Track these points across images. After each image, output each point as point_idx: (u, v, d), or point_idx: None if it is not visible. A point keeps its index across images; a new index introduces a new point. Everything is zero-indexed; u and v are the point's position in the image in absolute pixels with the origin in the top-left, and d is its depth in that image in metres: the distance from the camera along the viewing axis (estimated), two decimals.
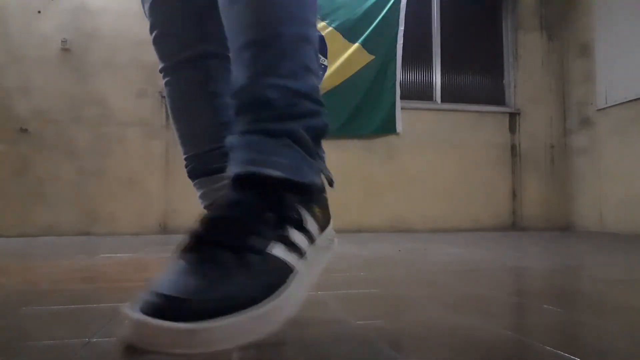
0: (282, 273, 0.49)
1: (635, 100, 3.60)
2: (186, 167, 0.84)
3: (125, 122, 3.60)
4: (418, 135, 4.09)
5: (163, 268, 0.47)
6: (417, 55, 4.26)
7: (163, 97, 3.67)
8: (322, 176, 0.60)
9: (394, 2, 4.01)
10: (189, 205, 3.99)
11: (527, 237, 3.19)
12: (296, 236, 0.52)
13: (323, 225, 0.60)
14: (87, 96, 3.56)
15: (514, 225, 4.24)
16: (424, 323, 0.82)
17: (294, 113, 0.54)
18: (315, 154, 0.57)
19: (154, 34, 0.81)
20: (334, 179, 0.63)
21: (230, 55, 0.57)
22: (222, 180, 0.71)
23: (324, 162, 0.61)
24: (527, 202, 4.27)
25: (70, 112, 3.53)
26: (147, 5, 0.81)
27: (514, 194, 4.27)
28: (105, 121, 3.57)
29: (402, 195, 4.00)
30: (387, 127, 4.01)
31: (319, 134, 0.58)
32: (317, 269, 0.59)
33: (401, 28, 4.05)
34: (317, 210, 0.57)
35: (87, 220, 3.47)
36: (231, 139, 0.55)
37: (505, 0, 4.48)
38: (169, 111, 0.86)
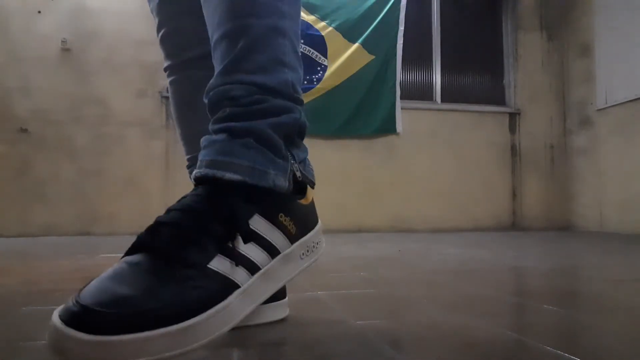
0: (222, 289, 0.46)
1: (635, 100, 3.60)
2: (188, 168, 0.82)
3: (125, 122, 3.60)
4: (418, 135, 4.09)
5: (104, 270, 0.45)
6: (417, 55, 4.26)
7: (163, 97, 3.67)
8: (298, 178, 0.55)
9: (394, 2, 4.01)
10: None
11: (527, 237, 3.19)
12: (249, 249, 0.49)
13: (297, 233, 0.56)
14: (87, 96, 3.56)
15: (514, 225, 4.24)
16: (424, 323, 0.82)
17: (260, 110, 0.51)
18: (287, 155, 0.53)
19: (161, 32, 0.80)
20: (314, 180, 0.59)
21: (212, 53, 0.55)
22: None
23: (302, 162, 0.57)
24: (527, 202, 4.27)
25: (70, 112, 3.53)
26: (154, 3, 0.79)
27: (514, 194, 4.27)
28: (105, 121, 3.57)
29: (402, 195, 4.00)
30: (387, 127, 4.01)
31: (291, 132, 0.54)
32: (286, 279, 0.56)
33: (401, 28, 4.05)
34: (283, 218, 0.53)
35: (87, 220, 3.47)
36: (202, 139, 0.53)
37: (505, 0, 4.48)
38: (172, 110, 0.85)
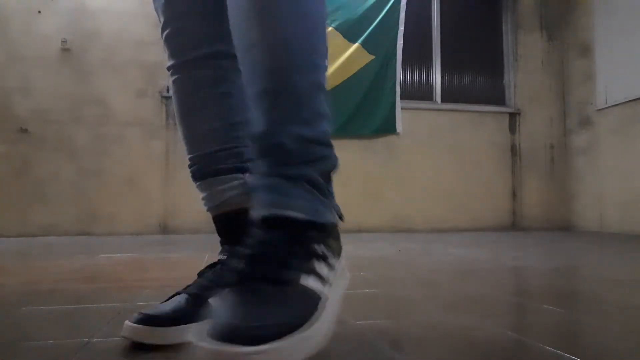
0: (313, 300, 0.54)
1: (635, 100, 3.60)
2: (190, 167, 0.83)
3: (125, 122, 3.60)
4: (418, 135, 4.09)
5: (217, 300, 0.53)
6: (417, 55, 4.26)
7: (163, 97, 3.67)
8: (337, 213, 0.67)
9: (394, 2, 4.01)
10: (189, 205, 3.98)
11: (527, 237, 3.19)
12: (320, 267, 0.58)
13: (338, 254, 0.66)
14: (87, 96, 3.56)
15: (514, 225, 4.24)
16: (424, 323, 0.82)
17: (309, 159, 0.60)
18: (328, 193, 0.64)
19: (166, 32, 0.79)
20: (342, 213, 0.68)
21: (248, 95, 0.61)
22: (230, 182, 0.77)
23: (333, 198, 0.67)
24: (527, 202, 4.27)
25: (70, 112, 3.53)
26: (159, 3, 0.79)
27: (514, 194, 4.27)
28: (105, 121, 3.57)
29: (402, 195, 4.00)
30: (387, 127, 4.01)
31: (329, 173, 0.65)
32: (339, 293, 0.63)
33: (401, 28, 4.04)
34: (332, 242, 0.63)
35: (87, 220, 3.47)
36: (253, 180, 0.62)
37: (505, 0, 4.48)
38: (175, 109, 0.84)
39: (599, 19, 3.98)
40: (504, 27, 4.48)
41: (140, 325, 0.66)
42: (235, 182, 0.78)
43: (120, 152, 3.56)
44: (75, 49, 3.56)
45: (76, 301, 1.04)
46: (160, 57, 3.77)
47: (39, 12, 3.52)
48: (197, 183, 0.82)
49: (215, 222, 0.83)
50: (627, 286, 1.25)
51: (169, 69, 0.83)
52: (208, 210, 0.82)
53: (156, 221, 3.56)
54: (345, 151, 3.93)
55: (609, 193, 3.86)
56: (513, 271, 1.57)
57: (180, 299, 0.72)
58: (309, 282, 0.55)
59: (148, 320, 0.67)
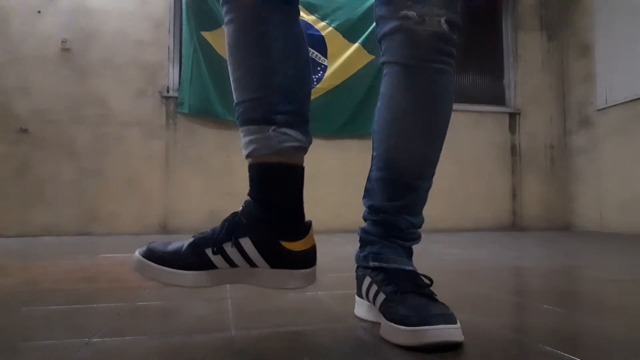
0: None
1: (635, 100, 3.60)
2: (240, 116, 0.78)
3: (125, 122, 3.60)
4: None
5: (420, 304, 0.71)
6: None
7: (163, 97, 3.67)
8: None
9: None
10: (189, 205, 3.98)
11: (527, 237, 3.19)
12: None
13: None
14: (87, 96, 3.56)
15: (514, 225, 4.24)
16: None
17: (412, 238, 0.84)
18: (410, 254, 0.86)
19: None
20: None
21: (375, 173, 0.91)
22: (267, 131, 0.73)
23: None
24: (527, 202, 4.27)
25: (70, 112, 3.53)
26: None
27: (514, 194, 4.27)
28: (105, 121, 3.57)
29: None
30: None
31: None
32: None
33: None
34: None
35: (87, 220, 3.47)
36: (367, 237, 0.85)
37: (505, 0, 4.48)
38: (231, 51, 0.78)
39: (599, 19, 3.98)
40: (504, 27, 4.48)
41: (142, 258, 0.77)
42: (292, 134, 0.75)
43: (120, 152, 3.56)
44: (75, 49, 3.55)
45: (76, 301, 1.04)
46: (160, 57, 3.79)
47: (39, 12, 3.52)
48: (240, 129, 0.78)
49: (257, 169, 0.77)
50: (627, 286, 1.25)
51: (224, 4, 0.76)
52: (249, 156, 0.77)
53: (156, 221, 3.56)
54: (345, 151, 3.93)
55: (609, 193, 3.86)
56: (513, 271, 1.57)
57: (184, 244, 0.78)
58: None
59: (149, 254, 0.77)
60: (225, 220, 0.79)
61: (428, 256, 1.98)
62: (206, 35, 3.63)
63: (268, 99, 0.74)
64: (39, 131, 3.46)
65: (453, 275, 1.42)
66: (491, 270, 1.54)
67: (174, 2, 3.77)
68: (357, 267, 0.85)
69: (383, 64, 0.83)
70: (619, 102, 3.76)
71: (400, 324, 0.67)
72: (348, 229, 3.87)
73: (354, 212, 4.35)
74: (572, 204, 4.26)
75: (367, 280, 0.80)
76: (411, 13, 0.77)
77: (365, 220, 0.87)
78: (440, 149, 0.84)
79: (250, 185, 0.79)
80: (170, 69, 3.74)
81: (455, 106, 3.57)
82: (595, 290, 1.19)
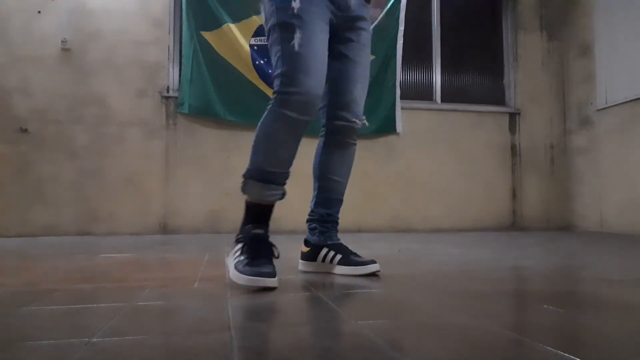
0: None
1: (635, 100, 3.60)
2: (268, 175, 1.29)
3: (125, 122, 3.60)
4: (418, 135, 4.09)
5: None
6: (417, 55, 4.26)
7: (163, 97, 3.67)
8: None
9: (394, 2, 4.00)
10: (189, 205, 3.97)
11: (527, 237, 3.19)
12: None
13: None
14: (87, 96, 3.56)
15: (514, 225, 4.24)
16: (424, 323, 0.82)
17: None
18: None
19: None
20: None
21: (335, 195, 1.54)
22: (280, 190, 1.33)
23: None
24: (527, 202, 4.27)
25: (70, 112, 3.52)
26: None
27: (514, 194, 4.27)
28: (105, 121, 3.57)
29: (402, 195, 4.00)
30: (387, 127, 4.01)
31: None
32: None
33: (401, 28, 4.04)
34: None
35: (87, 220, 3.47)
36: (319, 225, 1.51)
37: (505, 0, 4.48)
38: (270, 134, 1.33)
39: (599, 19, 3.98)
40: (504, 27, 4.48)
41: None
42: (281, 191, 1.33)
43: (120, 152, 3.56)
44: (75, 49, 3.56)
45: (76, 301, 1.04)
46: (160, 57, 3.79)
47: (39, 12, 3.51)
48: (275, 185, 1.30)
49: (265, 208, 1.31)
50: (627, 286, 1.25)
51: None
52: (268, 202, 1.31)
53: (156, 221, 3.56)
54: None
55: (609, 193, 3.86)
56: (513, 271, 1.57)
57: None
58: None
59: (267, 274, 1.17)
60: None
61: (428, 256, 1.98)
62: (206, 35, 3.63)
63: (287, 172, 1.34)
64: (39, 131, 3.46)
65: (453, 275, 1.42)
66: (491, 270, 1.54)
67: (174, 2, 3.77)
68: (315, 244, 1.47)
69: (326, 130, 1.56)
70: (619, 102, 3.76)
71: (355, 265, 1.41)
72: (348, 228, 3.87)
73: (354, 212, 4.35)
74: (572, 204, 4.26)
75: (325, 249, 1.45)
76: (359, 119, 1.59)
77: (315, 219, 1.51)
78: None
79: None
80: (170, 69, 3.74)
81: (455, 106, 3.64)
82: (595, 290, 1.19)
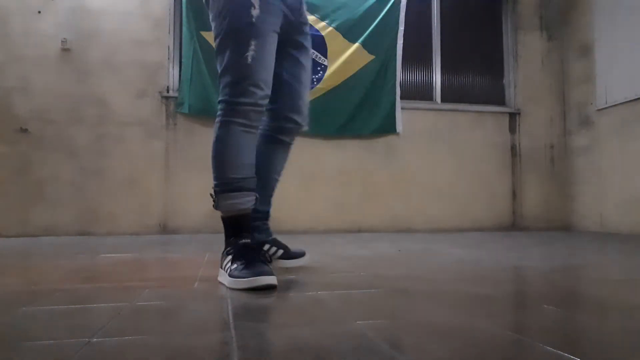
0: None
1: (635, 100, 3.60)
2: (237, 183, 1.39)
3: (125, 122, 3.60)
4: (418, 135, 4.09)
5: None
6: (417, 55, 4.26)
7: (163, 97, 3.67)
8: None
9: (394, 2, 4.01)
10: (189, 205, 3.96)
11: (527, 237, 3.19)
12: None
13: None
14: (87, 96, 3.56)
15: (514, 225, 4.23)
16: (423, 323, 0.82)
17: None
18: None
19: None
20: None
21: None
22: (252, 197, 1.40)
23: None
24: (527, 202, 4.27)
25: (70, 112, 3.52)
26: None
27: (514, 194, 4.27)
28: (105, 121, 3.57)
29: (402, 195, 3.99)
30: (387, 127, 4.01)
31: None
32: None
33: (401, 28, 4.04)
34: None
35: (87, 220, 3.47)
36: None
37: (505, 0, 4.48)
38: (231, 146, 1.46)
39: (599, 19, 3.98)
40: (504, 27, 4.48)
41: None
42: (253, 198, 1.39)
43: (120, 152, 3.56)
44: (75, 49, 3.55)
45: (76, 301, 1.04)
46: (160, 57, 3.79)
47: (39, 12, 3.51)
48: (246, 191, 1.38)
49: (243, 218, 1.35)
50: (627, 286, 1.25)
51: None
52: (244, 210, 1.37)
53: (156, 221, 3.56)
54: (345, 151, 3.93)
55: (609, 193, 3.86)
56: (513, 271, 1.57)
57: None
58: None
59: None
60: None
61: (428, 256, 1.98)
62: (206, 35, 3.63)
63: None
64: (39, 131, 3.46)
65: (453, 275, 1.42)
66: (491, 270, 1.54)
67: (174, 2, 3.77)
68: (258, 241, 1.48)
69: (270, 130, 1.56)
70: (619, 102, 3.76)
71: (296, 257, 1.56)
72: (348, 228, 3.88)
73: (354, 212, 4.34)
74: (572, 204, 4.26)
75: (267, 246, 1.50)
76: (306, 122, 1.55)
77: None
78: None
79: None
80: (170, 69, 3.74)
81: (455, 106, 3.65)
82: (595, 290, 1.19)
